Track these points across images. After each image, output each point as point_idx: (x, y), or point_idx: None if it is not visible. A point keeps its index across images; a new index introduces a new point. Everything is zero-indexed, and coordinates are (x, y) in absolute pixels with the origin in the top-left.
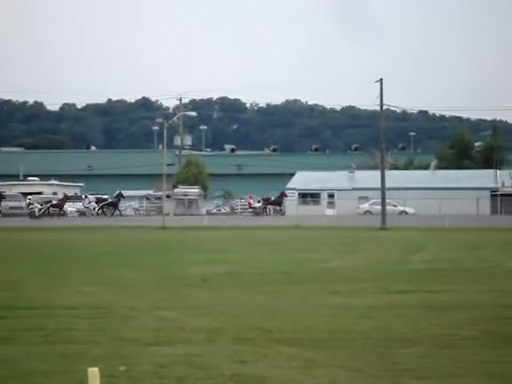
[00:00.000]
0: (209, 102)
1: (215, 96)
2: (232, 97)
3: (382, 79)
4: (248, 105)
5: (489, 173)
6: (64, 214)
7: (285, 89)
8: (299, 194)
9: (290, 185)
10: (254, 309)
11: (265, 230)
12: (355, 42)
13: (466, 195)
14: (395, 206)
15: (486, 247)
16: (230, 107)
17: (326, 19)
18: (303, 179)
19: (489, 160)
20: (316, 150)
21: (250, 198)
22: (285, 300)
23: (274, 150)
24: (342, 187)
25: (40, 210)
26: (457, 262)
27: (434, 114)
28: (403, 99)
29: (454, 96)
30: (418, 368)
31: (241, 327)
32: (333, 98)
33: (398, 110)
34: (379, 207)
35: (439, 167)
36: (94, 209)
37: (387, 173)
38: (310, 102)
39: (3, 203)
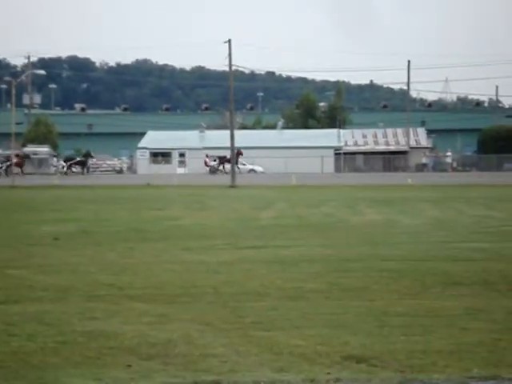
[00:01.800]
0: (58, 60)
1: (64, 55)
2: (81, 55)
3: (230, 40)
4: (98, 64)
5: (333, 132)
6: None
7: (135, 48)
8: (150, 153)
9: (141, 144)
10: (106, 266)
11: (116, 188)
12: (204, 2)
13: (311, 154)
14: (244, 164)
15: (330, 203)
16: (80, 66)
17: None
18: (154, 138)
19: (333, 120)
20: (167, 109)
21: (207, 156)
22: (136, 257)
23: (125, 109)
24: (193, 146)
25: None
26: (303, 218)
27: (280, 74)
28: (252, 60)
29: (299, 58)
30: (265, 320)
31: (92, 284)
32: (182, 59)
33: (247, 71)
34: (229, 166)
35: (286, 127)
36: (63, 167)
37: (236, 132)
38: (160, 62)
39: None
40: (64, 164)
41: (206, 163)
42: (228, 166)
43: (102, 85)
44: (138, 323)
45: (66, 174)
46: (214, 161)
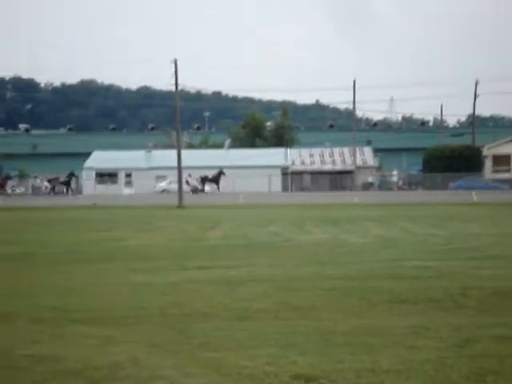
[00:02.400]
0: (1, 81)
1: (8, 76)
2: (26, 76)
3: (176, 60)
4: (42, 84)
5: (280, 151)
6: None
7: (80, 69)
8: (96, 173)
9: (86, 164)
10: (50, 289)
11: (62, 210)
12: (150, 23)
13: (258, 173)
14: (187, 183)
15: (278, 223)
16: (24, 87)
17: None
18: (100, 158)
19: (279, 139)
20: (113, 129)
21: (189, 176)
22: (81, 279)
23: (70, 129)
24: (140, 166)
25: None
26: (250, 238)
27: (227, 94)
28: (198, 80)
29: (245, 78)
30: (213, 341)
31: (35, 307)
32: (128, 79)
33: (193, 91)
34: (176, 186)
35: (233, 146)
36: (46, 188)
37: (183, 152)
38: (106, 82)
39: None
40: (48, 185)
41: (187, 182)
42: (208, 187)
43: (46, 105)
44: (83, 346)
45: (49, 194)
46: (196, 180)
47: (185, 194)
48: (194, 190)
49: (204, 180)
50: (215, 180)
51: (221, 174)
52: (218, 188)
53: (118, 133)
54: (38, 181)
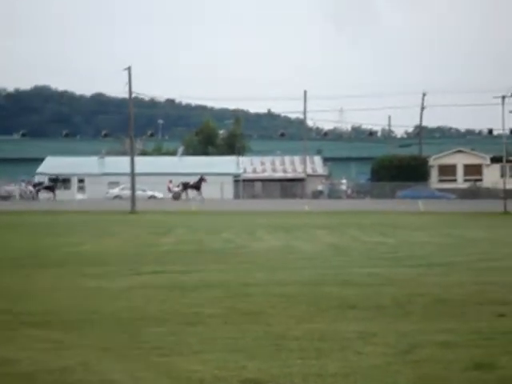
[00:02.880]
0: None
1: None
2: None
3: (130, 67)
4: None
5: (232, 159)
6: None
7: (33, 75)
8: (49, 178)
9: (39, 169)
10: (3, 292)
11: (14, 215)
12: (104, 29)
13: (210, 180)
14: (144, 190)
15: (230, 229)
16: None
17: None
18: (53, 164)
19: (232, 147)
20: (66, 135)
21: (170, 182)
22: (35, 283)
23: (24, 134)
24: (93, 172)
25: None
26: (203, 244)
27: (180, 102)
28: (151, 87)
29: (199, 86)
30: (165, 346)
31: None
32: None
33: (147, 98)
34: (129, 192)
35: (186, 153)
36: (31, 192)
37: (137, 159)
38: (60, 89)
39: None
40: (32, 189)
41: (169, 189)
42: (191, 192)
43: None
44: (34, 350)
45: (33, 198)
46: (178, 187)
47: (161, 201)
48: (176, 197)
49: (185, 186)
50: (196, 186)
51: (202, 180)
52: (200, 194)
53: (71, 139)
54: (23, 185)
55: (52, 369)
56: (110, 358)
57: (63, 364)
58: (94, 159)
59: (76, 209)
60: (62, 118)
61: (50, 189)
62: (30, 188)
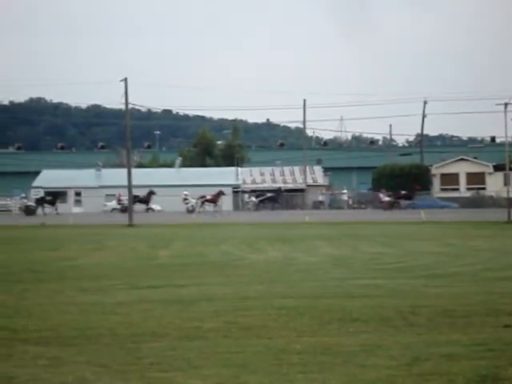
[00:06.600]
0: None
1: None
2: None
3: (126, 78)
4: None
5: (231, 170)
6: None
7: (28, 87)
8: (45, 192)
9: (35, 183)
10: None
11: (10, 229)
12: (100, 40)
13: (209, 192)
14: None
15: (229, 241)
16: None
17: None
18: (49, 177)
19: (230, 158)
20: (62, 148)
21: (185, 195)
22: (31, 299)
23: (19, 147)
24: (89, 185)
25: None
26: (202, 257)
27: (177, 112)
28: (148, 98)
29: (196, 96)
30: (163, 361)
31: None
32: (77, 97)
33: (143, 109)
34: (210, 205)
35: (184, 165)
36: (35, 207)
37: (134, 171)
38: (55, 100)
39: None
40: (34, 204)
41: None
42: (207, 206)
43: None
44: (31, 366)
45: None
46: (194, 199)
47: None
48: (191, 210)
49: (203, 200)
50: (213, 200)
51: (220, 193)
52: (217, 207)
53: (67, 151)
54: (25, 201)
55: None
56: (108, 375)
57: (61, 380)
58: (90, 172)
59: (72, 222)
60: (58, 131)
61: (51, 203)
62: (32, 204)
